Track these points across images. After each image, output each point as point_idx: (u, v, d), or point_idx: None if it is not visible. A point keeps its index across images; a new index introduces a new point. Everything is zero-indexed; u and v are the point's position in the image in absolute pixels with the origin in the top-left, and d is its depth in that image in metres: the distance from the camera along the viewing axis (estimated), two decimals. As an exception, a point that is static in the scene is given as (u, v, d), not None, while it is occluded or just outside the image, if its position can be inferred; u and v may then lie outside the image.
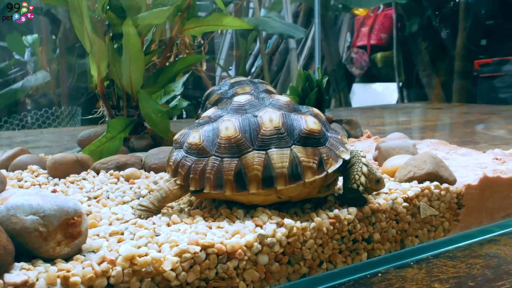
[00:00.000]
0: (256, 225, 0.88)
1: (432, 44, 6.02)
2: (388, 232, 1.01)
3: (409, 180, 1.11)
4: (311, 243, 0.89)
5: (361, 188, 0.96)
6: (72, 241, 0.71)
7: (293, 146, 0.93)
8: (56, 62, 4.55)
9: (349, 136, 1.92)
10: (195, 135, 0.96)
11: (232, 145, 0.93)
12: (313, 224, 0.89)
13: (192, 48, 4.18)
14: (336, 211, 0.93)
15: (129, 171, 1.22)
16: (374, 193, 1.05)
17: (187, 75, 1.66)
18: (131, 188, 1.14)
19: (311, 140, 0.95)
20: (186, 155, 0.95)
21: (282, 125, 0.94)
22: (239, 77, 1.68)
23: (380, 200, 1.00)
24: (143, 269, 0.71)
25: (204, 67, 3.91)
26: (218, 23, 1.54)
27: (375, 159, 1.49)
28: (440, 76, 5.98)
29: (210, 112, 1.01)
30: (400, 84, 6.65)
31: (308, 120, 0.97)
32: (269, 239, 0.83)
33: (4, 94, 4.30)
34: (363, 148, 1.77)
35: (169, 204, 1.03)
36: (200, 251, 0.77)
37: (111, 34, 1.53)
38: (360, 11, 6.79)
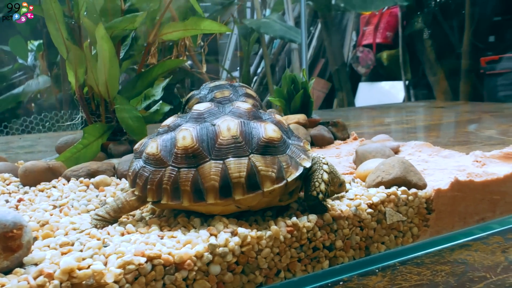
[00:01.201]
0: (211, 234, 0.86)
1: (438, 42, 5.97)
2: (352, 239, 0.99)
3: (377, 185, 1.10)
4: (267, 252, 0.88)
5: (320, 195, 0.94)
6: (11, 254, 0.70)
7: (252, 155, 0.92)
8: (58, 67, 4.58)
9: (335, 138, 1.91)
10: (153, 145, 0.95)
11: (189, 155, 0.91)
12: (269, 233, 0.88)
13: (193, 50, 4.19)
14: (294, 218, 0.92)
15: (99, 178, 1.22)
16: (339, 195, 1.04)
17: (167, 80, 1.65)
18: (97, 196, 1.14)
19: (270, 148, 0.94)
20: (144, 165, 0.95)
21: (240, 133, 0.93)
22: (220, 81, 1.67)
23: (343, 207, 0.99)
24: (84, 282, 0.71)
25: (205, 69, 3.91)
26: (196, 27, 1.54)
27: (355, 162, 1.48)
28: (446, 74, 5.93)
29: (170, 120, 1.00)
30: (407, 82, 6.60)
31: (267, 128, 0.96)
32: (220, 248, 0.82)
33: (5, 99, 4.33)
34: (347, 151, 1.75)
35: (132, 212, 1.02)
36: (146, 262, 0.76)
37: (88, 40, 1.53)
38: (365, 10, 6.75)
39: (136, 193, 0.94)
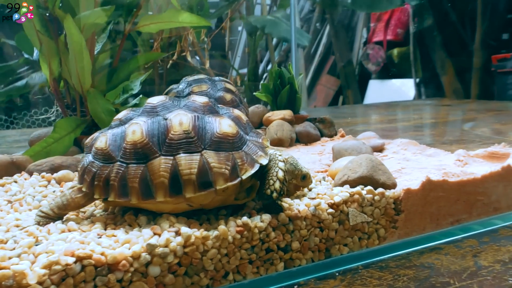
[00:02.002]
0: (154, 234, 0.82)
1: (449, 39, 5.86)
2: (310, 240, 0.94)
3: (343, 184, 1.05)
4: (213, 253, 0.83)
5: (274, 194, 0.90)
6: None
7: (204, 151, 0.88)
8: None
9: (322, 135, 1.85)
10: (102, 139, 0.91)
11: (138, 150, 0.87)
12: (215, 233, 0.83)
13: (198, 46, 4.15)
14: (245, 218, 0.87)
15: (61, 173, 1.18)
16: (301, 193, 0.99)
17: (147, 74, 1.61)
18: (54, 191, 1.10)
19: (224, 144, 0.90)
20: (92, 160, 0.91)
21: (192, 128, 0.89)
22: (199, 75, 1.63)
23: (301, 206, 0.94)
24: (3, 283, 0.67)
25: (207, 65, 3.87)
26: (174, 20, 1.49)
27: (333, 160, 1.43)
28: (457, 71, 5.82)
29: (122, 114, 0.96)
30: (417, 80, 6.50)
31: (222, 123, 0.91)
32: (160, 249, 0.78)
33: (8, 91, 4.32)
34: (330, 148, 1.70)
35: (85, 208, 0.98)
36: (75, 262, 0.72)
37: (64, 33, 1.50)
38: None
39: (84, 189, 0.90)
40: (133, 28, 1.50)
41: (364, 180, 1.02)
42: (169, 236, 0.80)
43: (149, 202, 0.87)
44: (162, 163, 0.86)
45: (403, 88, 6.80)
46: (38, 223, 0.89)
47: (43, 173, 1.21)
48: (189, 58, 3.77)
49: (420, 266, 0.96)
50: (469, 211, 1.13)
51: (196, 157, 0.87)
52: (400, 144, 1.63)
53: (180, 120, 0.89)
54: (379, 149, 1.58)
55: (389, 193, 1.02)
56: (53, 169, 1.23)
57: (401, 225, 1.05)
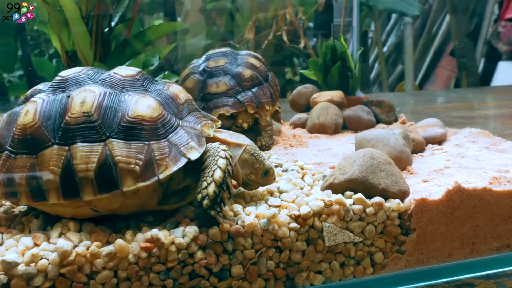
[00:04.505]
0: (35, 244, 0.63)
1: None
2: (260, 264, 0.69)
3: (328, 187, 0.77)
4: (105, 275, 0.62)
5: (205, 202, 0.66)
6: None
7: (110, 140, 0.66)
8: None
9: (378, 121, 1.53)
10: None
11: (28, 136, 0.68)
12: (107, 249, 0.62)
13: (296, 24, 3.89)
14: (155, 231, 0.64)
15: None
16: (263, 199, 0.74)
17: (171, 46, 1.43)
18: None
19: (137, 131, 0.67)
20: None
21: (96, 109, 0.67)
22: (223, 48, 1.40)
23: (249, 218, 0.69)
24: None
25: (303, 44, 3.61)
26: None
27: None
28: None
29: (32, 89, 0.77)
30: (557, 61, 5.64)
31: (139, 103, 0.69)
32: (22, 267, 0.59)
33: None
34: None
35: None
36: None
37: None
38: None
39: None
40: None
41: (353, 184, 0.74)
42: (40, 251, 0.60)
43: (42, 204, 0.68)
44: (54, 154, 0.66)
45: (540, 71, 5.96)
46: None
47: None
48: (284, 38, 3.53)
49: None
50: (526, 233, 0.79)
51: (97, 147, 0.66)
52: (469, 134, 1.27)
53: (83, 99, 0.68)
54: (438, 140, 1.24)
55: (390, 204, 0.73)
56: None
57: (410, 249, 0.75)
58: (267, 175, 0.76)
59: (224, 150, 0.70)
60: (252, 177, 0.76)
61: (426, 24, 5.05)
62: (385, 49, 6.46)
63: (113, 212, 0.69)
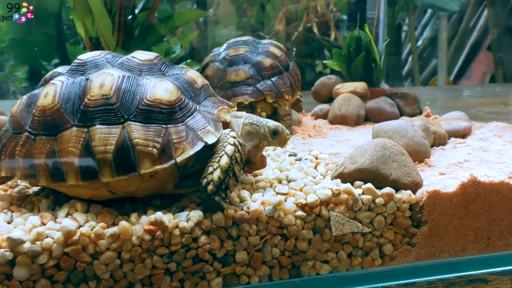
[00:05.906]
0: (42, 223, 0.65)
1: None
2: (265, 251, 0.68)
3: (338, 177, 0.76)
4: (109, 256, 0.63)
5: (209, 187, 0.65)
6: None
7: (128, 122, 0.67)
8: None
9: (402, 113, 1.50)
10: (17, 103, 0.75)
11: (47, 118, 0.69)
12: (111, 230, 0.62)
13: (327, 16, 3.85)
14: (159, 214, 0.64)
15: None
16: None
17: (192, 35, 1.43)
18: None
19: (155, 114, 0.68)
20: (7, 128, 0.75)
21: (114, 92, 0.68)
22: (245, 37, 1.40)
23: (255, 204, 0.68)
24: None
25: (333, 36, 3.57)
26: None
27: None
28: None
29: (51, 72, 0.78)
30: None
31: (157, 87, 0.69)
32: (28, 245, 0.60)
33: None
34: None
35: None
36: None
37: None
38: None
39: None
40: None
41: (363, 174, 0.72)
42: (46, 230, 0.61)
43: (60, 185, 0.69)
44: (72, 136, 0.67)
45: None
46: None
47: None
48: (315, 30, 3.50)
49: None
50: (546, 230, 0.76)
51: (116, 130, 0.66)
52: (495, 128, 1.23)
53: (102, 81, 0.69)
54: (462, 133, 1.21)
55: (401, 195, 0.71)
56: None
57: (421, 242, 0.73)
58: (276, 134, 0.76)
59: (234, 137, 0.69)
60: (265, 143, 0.76)
61: (463, 17, 4.92)
62: (419, 43, 6.32)
63: (130, 194, 0.70)
